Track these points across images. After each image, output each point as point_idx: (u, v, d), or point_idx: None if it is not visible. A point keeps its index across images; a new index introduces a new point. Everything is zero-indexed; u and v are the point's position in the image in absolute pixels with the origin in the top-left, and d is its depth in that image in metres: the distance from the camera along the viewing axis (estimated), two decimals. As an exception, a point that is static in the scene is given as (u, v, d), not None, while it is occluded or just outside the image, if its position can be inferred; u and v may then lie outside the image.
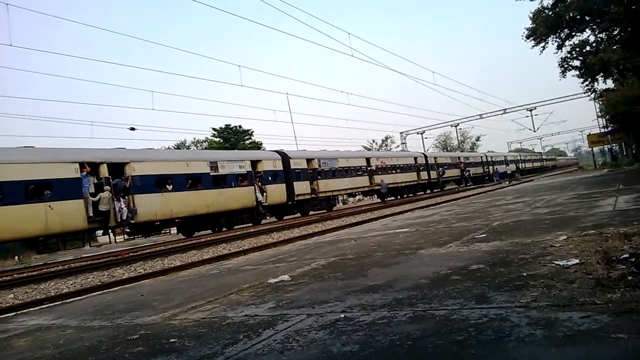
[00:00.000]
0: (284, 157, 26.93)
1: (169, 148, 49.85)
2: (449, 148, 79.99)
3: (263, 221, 25.51)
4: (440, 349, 2.20)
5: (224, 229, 22.72)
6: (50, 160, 16.51)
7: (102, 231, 20.96)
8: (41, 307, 6.09)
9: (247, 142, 59.48)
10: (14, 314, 5.68)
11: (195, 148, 60.85)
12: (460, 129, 65.95)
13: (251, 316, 3.39)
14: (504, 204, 11.72)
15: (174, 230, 25.21)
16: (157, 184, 19.55)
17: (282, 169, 26.28)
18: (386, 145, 75.02)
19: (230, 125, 58.82)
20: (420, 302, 3.08)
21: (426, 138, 61.01)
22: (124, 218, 17.83)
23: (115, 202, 17.63)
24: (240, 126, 59.41)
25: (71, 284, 10.73)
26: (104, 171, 17.87)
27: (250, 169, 24.06)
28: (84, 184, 17.04)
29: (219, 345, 2.78)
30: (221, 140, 57.95)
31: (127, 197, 18.25)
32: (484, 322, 2.46)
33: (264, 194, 24.58)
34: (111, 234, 21.45)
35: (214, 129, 59.06)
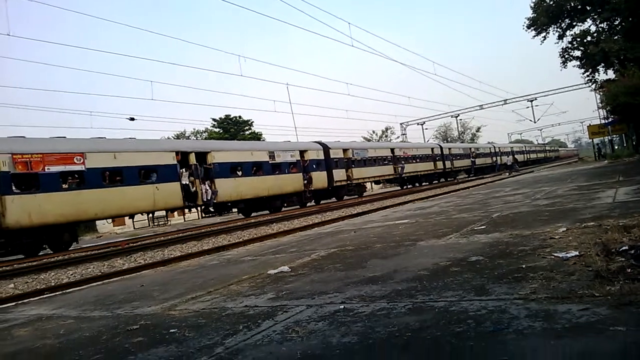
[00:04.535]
0: (325, 148, 29.47)
1: (168, 138, 49.73)
2: (449, 139, 79.82)
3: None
4: (439, 340, 2.21)
5: (267, 211, 25.23)
6: (155, 149, 19.71)
7: (104, 221, 22.97)
8: (41, 297, 6.11)
9: (247, 132, 59.32)
10: (14, 303, 5.70)
11: (195, 139, 60.67)
12: (460, 119, 65.75)
13: (251, 307, 3.41)
14: (503, 196, 11.72)
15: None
16: (230, 170, 22.61)
17: (323, 158, 28.93)
18: (386, 136, 74.82)
19: (230, 115, 58.63)
20: (419, 294, 3.09)
21: (426, 129, 60.84)
22: (209, 198, 20.97)
23: (201, 185, 20.66)
24: (240, 116, 59.22)
25: (71, 274, 10.76)
26: (192, 159, 20.86)
27: (299, 158, 27.00)
28: (179, 169, 20.02)
29: (219, 335, 2.79)
30: (221, 131, 57.78)
31: (209, 181, 21.32)
32: (483, 314, 2.47)
33: (311, 180, 27.30)
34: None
35: (213, 120, 58.90)
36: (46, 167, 15.66)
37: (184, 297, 4.17)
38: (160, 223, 34.46)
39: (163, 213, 29.49)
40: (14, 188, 14.85)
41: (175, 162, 19.86)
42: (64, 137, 17.71)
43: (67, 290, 6.38)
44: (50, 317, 4.21)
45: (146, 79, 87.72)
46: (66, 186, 16.31)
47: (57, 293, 6.25)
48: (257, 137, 56.08)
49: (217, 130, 58.38)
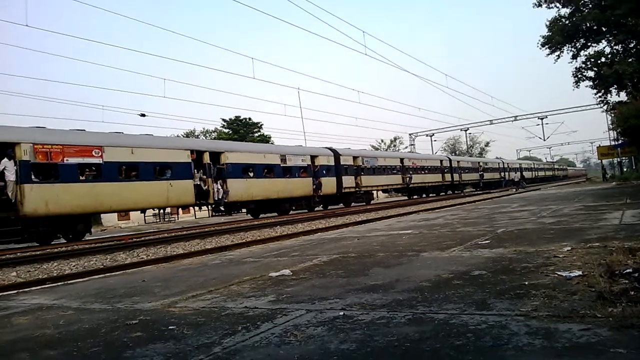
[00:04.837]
0: (335, 154, 29.98)
1: (178, 136, 49.94)
2: (457, 152, 79.66)
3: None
4: (437, 352, 2.20)
5: (275, 213, 25.64)
6: (171, 146, 20.27)
7: (109, 214, 24.47)
8: (43, 286, 6.13)
9: (256, 134, 59.48)
10: (15, 292, 5.73)
11: (204, 138, 60.88)
12: (469, 133, 65.66)
13: (251, 308, 3.41)
14: (509, 212, 11.67)
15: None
16: (242, 171, 23.06)
17: (333, 164, 29.41)
18: (394, 146, 74.83)
19: (240, 117, 58.82)
20: (420, 305, 3.08)
21: (435, 141, 60.78)
22: (220, 197, 21.53)
23: (213, 184, 21.17)
24: (250, 118, 59.39)
25: (74, 266, 10.81)
26: (207, 158, 21.29)
27: (309, 163, 27.42)
28: (193, 167, 20.43)
29: (217, 335, 2.79)
30: (230, 132, 57.97)
31: (221, 181, 21.86)
32: (483, 329, 2.46)
33: (321, 185, 27.72)
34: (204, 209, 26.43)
35: (223, 120, 59.11)
36: (65, 159, 16.07)
37: (185, 294, 4.17)
38: (166, 219, 34.61)
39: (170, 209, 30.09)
40: (33, 177, 15.17)
41: (190, 161, 20.25)
42: (83, 129, 18.06)
43: (69, 282, 6.41)
44: (50, 307, 4.23)
45: (159, 76, 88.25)
46: (84, 178, 16.77)
47: (59, 284, 6.29)
48: (266, 139, 56.25)
49: (226, 130, 58.59)
